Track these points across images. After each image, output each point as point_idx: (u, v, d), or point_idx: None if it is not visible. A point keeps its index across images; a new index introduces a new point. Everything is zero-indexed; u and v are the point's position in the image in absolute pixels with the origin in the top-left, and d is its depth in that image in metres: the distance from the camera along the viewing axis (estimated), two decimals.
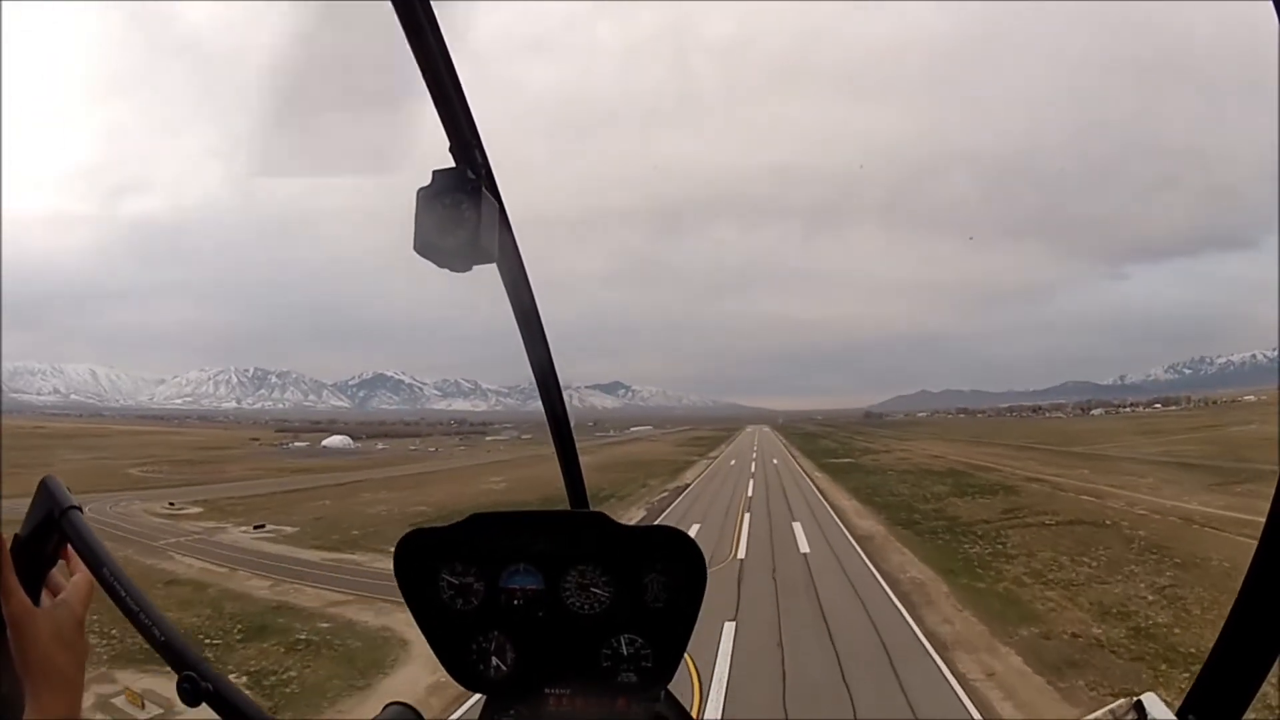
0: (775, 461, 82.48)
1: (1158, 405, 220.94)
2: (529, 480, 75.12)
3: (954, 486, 57.09)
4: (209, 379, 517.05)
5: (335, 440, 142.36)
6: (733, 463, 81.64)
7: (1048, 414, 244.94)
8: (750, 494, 52.22)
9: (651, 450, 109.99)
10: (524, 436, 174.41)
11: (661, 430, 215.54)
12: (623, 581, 2.47)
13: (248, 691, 1.62)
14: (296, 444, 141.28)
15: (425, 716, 2.06)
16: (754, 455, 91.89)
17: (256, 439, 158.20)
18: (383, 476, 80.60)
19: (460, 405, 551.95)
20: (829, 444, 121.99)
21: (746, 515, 42.11)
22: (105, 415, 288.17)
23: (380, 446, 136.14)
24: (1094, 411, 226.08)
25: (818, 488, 56.20)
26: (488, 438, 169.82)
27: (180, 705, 1.72)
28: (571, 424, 3.02)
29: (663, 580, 2.45)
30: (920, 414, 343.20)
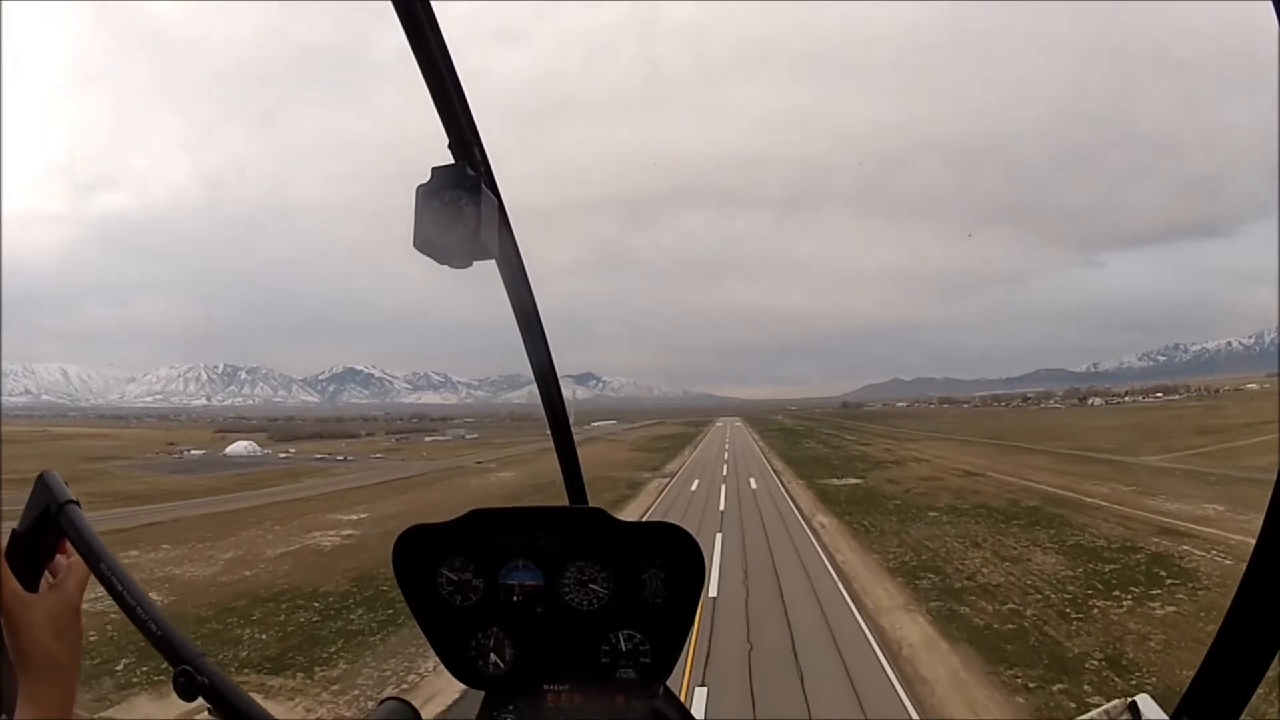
0: (753, 484, 56.16)
1: (1159, 394, 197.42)
2: (403, 515, 50.37)
3: (1064, 553, 32.58)
4: (179, 376, 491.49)
5: (239, 447, 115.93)
6: (694, 486, 55.25)
7: (1040, 404, 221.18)
8: (714, 589, 25.79)
9: (600, 459, 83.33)
10: (468, 436, 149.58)
11: (625, 425, 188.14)
12: (622, 578, 2.48)
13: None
14: (193, 452, 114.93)
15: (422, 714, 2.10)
16: (724, 471, 66.13)
17: (173, 443, 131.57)
18: (207, 513, 54.57)
19: (430, 398, 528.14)
20: (816, 447, 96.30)
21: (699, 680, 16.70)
22: (70, 416, 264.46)
23: (283, 455, 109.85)
24: (1092, 401, 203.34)
25: (833, 564, 30.12)
26: (427, 438, 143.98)
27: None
28: (571, 419, 2.99)
29: (662, 576, 2.45)
30: (899, 404, 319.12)
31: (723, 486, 54.00)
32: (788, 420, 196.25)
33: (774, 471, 65.54)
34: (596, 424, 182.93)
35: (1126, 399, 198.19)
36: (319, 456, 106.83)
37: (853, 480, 58.57)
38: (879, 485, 55.74)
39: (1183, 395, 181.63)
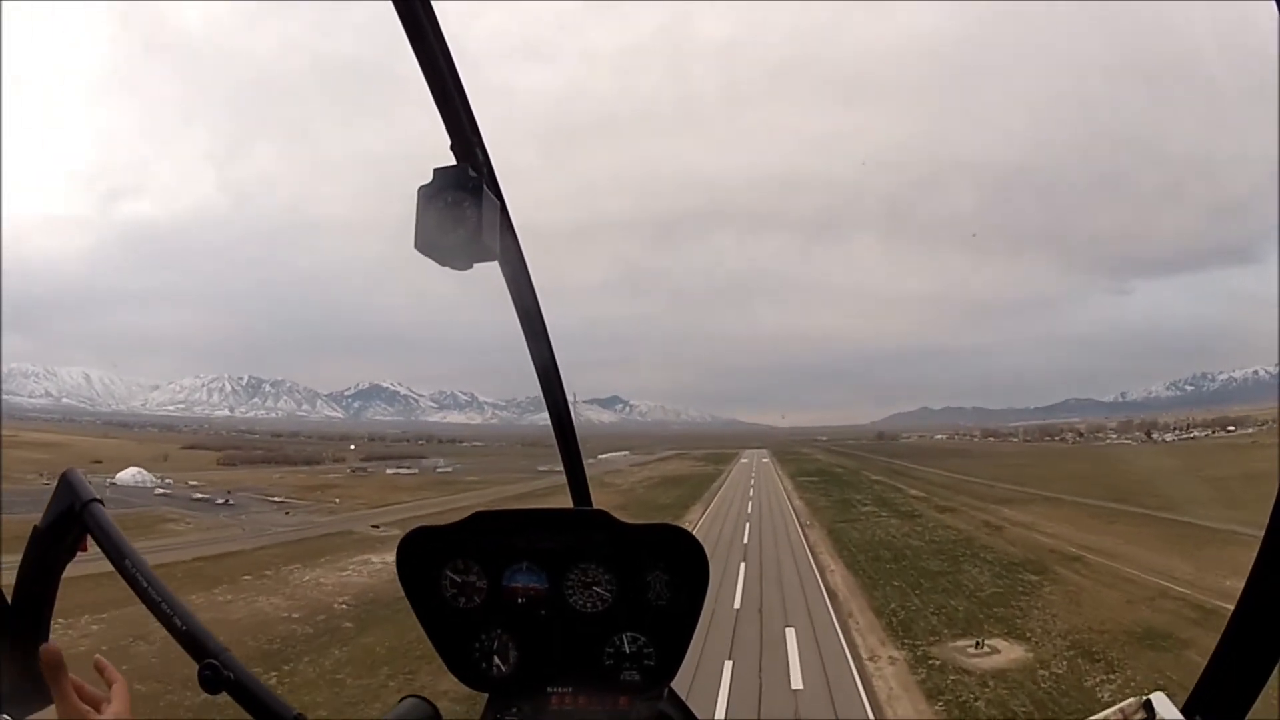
0: (794, 668, 23.83)
1: (1231, 428, 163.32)
2: None
3: None
4: (203, 386, 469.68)
5: (128, 475, 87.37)
6: None
7: (1104, 438, 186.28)
8: None
9: None
10: (440, 469, 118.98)
11: (638, 458, 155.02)
12: (625, 580, 2.42)
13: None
14: None
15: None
16: (738, 593, 32.98)
17: (99, 461, 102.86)
18: None
19: (456, 418, 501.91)
20: (877, 514, 62.51)
21: None
22: (77, 421, 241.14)
23: (159, 491, 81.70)
24: (1163, 437, 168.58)
25: None
26: (389, 469, 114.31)
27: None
28: (575, 422, 2.94)
29: (665, 578, 2.39)
30: (938, 435, 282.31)
31: (727, 669, 22.55)
32: (822, 456, 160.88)
33: (828, 595, 33.08)
34: (605, 456, 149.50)
35: (1197, 434, 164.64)
36: (198, 497, 78.51)
37: (1005, 653, 26.53)
38: (1079, 678, 23.86)
39: (1255, 429, 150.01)
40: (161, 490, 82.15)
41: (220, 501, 76.03)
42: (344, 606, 34.76)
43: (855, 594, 33.72)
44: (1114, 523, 54.90)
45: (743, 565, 38.70)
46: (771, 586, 34.55)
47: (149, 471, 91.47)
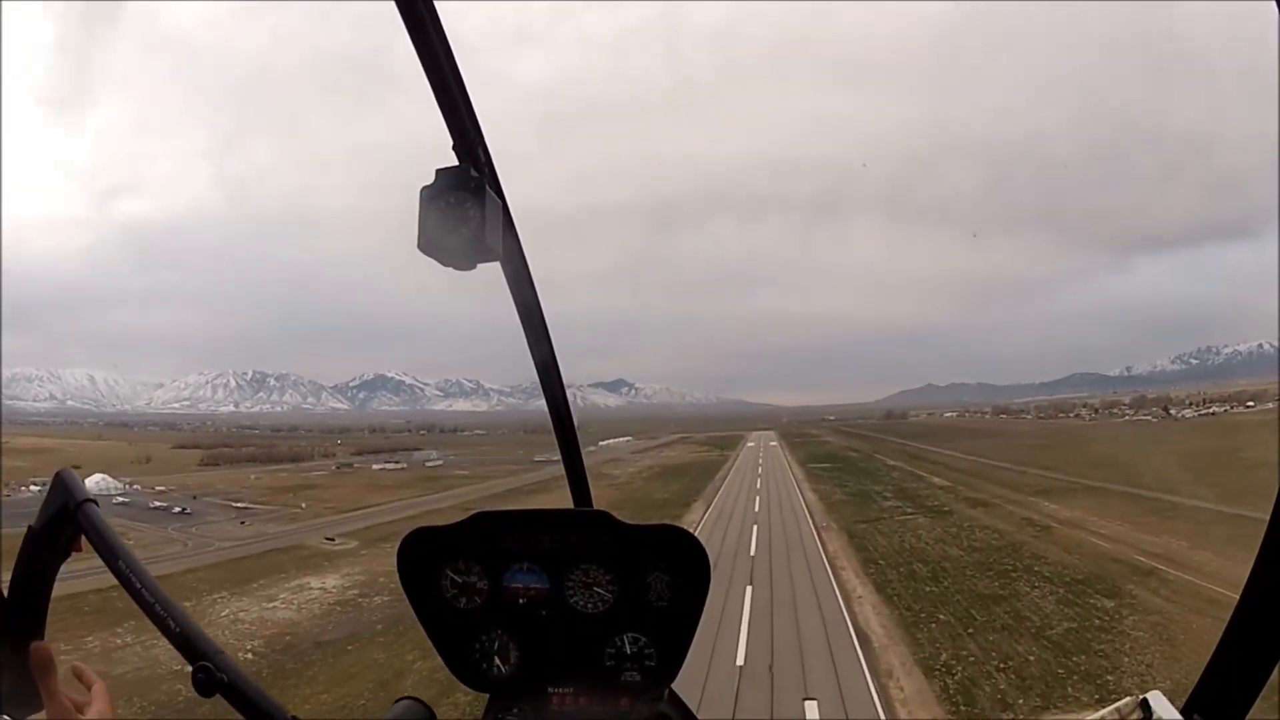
0: None
1: (1250, 403, 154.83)
2: None
3: None
4: (207, 382, 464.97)
5: (93, 483, 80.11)
6: None
7: (1120, 415, 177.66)
8: None
9: None
10: (430, 463, 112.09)
11: (641, 444, 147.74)
12: (626, 580, 2.42)
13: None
14: (32, 487, 79.01)
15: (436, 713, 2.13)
16: (743, 625, 26.14)
17: (78, 466, 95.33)
18: None
19: (462, 405, 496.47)
20: (902, 511, 55.44)
21: None
22: (80, 423, 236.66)
23: (119, 500, 74.07)
24: (1183, 413, 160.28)
25: None
26: (375, 465, 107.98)
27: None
28: (575, 421, 2.96)
29: (666, 579, 2.39)
30: (947, 414, 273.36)
31: None
32: (832, 438, 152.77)
33: (859, 639, 25.62)
34: (606, 442, 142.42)
35: (1216, 409, 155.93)
36: (155, 505, 72.12)
37: None
38: None
39: (1275, 404, 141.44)
40: (121, 499, 74.92)
41: (177, 510, 69.69)
42: (249, 655, 27.91)
43: (892, 636, 26.37)
44: (1173, 519, 47.82)
45: (749, 591, 31.42)
46: (785, 625, 27.12)
47: (115, 478, 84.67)
